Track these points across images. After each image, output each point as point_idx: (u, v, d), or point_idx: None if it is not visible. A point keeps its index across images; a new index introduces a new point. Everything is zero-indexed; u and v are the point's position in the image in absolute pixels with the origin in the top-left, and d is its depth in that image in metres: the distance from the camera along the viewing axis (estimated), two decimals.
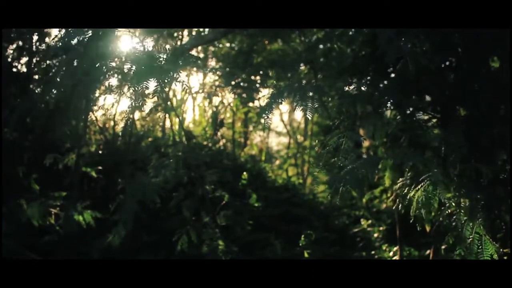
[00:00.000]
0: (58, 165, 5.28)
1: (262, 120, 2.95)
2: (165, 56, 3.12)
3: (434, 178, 2.55)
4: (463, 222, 2.52)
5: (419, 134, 3.42)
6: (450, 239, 2.61)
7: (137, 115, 7.38)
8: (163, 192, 4.36)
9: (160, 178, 4.34)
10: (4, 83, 4.77)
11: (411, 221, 2.92)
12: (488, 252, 2.42)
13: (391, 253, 5.68)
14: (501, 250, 2.98)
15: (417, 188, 2.67)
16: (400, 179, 3.62)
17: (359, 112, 3.28)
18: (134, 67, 3.03)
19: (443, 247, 3.77)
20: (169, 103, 5.99)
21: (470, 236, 2.46)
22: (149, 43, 3.34)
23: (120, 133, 7.19)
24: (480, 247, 2.44)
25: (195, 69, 9.74)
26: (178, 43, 7.34)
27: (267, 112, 2.95)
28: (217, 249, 4.35)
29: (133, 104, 3.10)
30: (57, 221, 4.99)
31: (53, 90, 4.04)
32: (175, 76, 3.01)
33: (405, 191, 2.90)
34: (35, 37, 5.53)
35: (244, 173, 6.04)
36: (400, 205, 2.99)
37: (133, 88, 2.90)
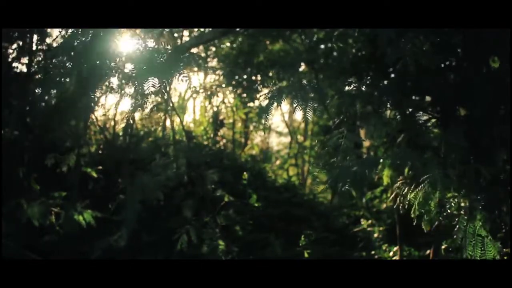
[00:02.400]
0: (58, 165, 5.28)
1: (262, 121, 2.93)
2: (165, 55, 3.11)
3: (433, 180, 2.55)
4: (465, 224, 2.53)
5: (419, 134, 3.41)
6: (451, 240, 2.62)
7: (137, 115, 7.39)
8: (163, 192, 4.36)
9: (162, 177, 4.34)
10: (4, 83, 4.77)
11: (411, 222, 2.93)
12: (491, 254, 2.44)
13: (391, 253, 5.68)
14: (502, 250, 2.98)
15: (416, 190, 2.67)
16: (400, 177, 3.61)
17: (359, 112, 3.28)
18: (134, 66, 3.02)
19: (443, 247, 3.77)
20: (169, 102, 5.99)
21: (473, 239, 2.47)
22: (150, 42, 3.33)
23: (120, 133, 7.19)
24: (483, 248, 2.45)
25: (195, 68, 9.74)
26: (179, 42, 7.33)
27: (266, 112, 2.94)
28: (217, 249, 4.35)
29: (134, 104, 3.09)
30: (57, 221, 4.99)
31: (53, 90, 4.04)
32: (176, 74, 3.00)
33: (405, 191, 2.90)
34: (35, 37, 5.53)
35: (245, 173, 6.04)
36: (400, 206, 2.99)
37: (133, 87, 2.90)
